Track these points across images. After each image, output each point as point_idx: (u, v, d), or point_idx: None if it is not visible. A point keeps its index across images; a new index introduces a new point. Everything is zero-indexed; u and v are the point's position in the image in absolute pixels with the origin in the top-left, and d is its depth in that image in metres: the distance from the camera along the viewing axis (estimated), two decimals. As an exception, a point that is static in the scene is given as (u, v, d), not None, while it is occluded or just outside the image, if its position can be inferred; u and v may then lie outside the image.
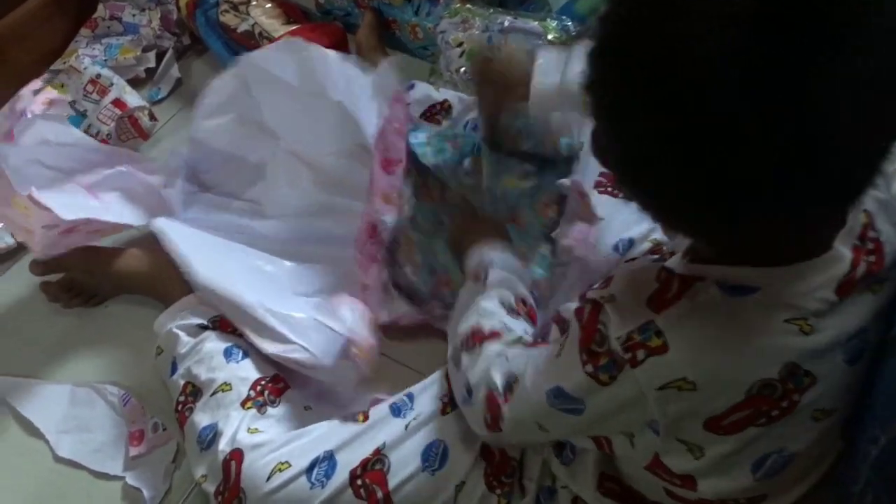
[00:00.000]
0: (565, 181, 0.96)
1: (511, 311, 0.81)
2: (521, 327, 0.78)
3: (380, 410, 0.84)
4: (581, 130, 1.00)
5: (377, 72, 1.09)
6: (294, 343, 0.92)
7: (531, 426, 0.67)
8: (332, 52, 1.08)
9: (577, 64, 0.85)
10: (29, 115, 1.01)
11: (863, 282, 0.56)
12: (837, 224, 0.55)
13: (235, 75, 1.10)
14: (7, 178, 0.90)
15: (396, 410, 0.84)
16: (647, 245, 0.98)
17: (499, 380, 0.70)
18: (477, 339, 0.76)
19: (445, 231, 1.04)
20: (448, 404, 0.84)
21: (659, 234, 0.99)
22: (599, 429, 0.64)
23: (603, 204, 1.00)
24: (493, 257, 0.87)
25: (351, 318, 0.96)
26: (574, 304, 0.63)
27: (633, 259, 0.98)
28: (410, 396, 0.86)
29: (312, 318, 0.95)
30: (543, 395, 0.63)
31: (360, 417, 0.85)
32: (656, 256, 0.90)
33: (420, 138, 1.07)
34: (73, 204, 0.98)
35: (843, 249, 0.55)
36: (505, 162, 1.04)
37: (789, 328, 0.53)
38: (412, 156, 1.06)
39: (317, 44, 1.22)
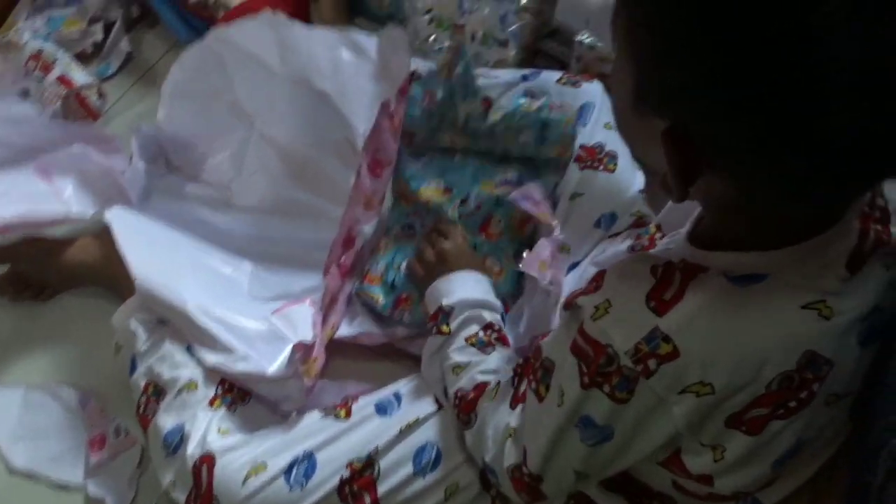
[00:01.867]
0: (516, 194, 0.89)
1: (481, 347, 0.77)
2: (496, 362, 0.75)
3: (363, 407, 0.80)
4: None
5: (384, 43, 1.00)
6: (236, 352, 0.84)
7: (569, 476, 0.62)
8: (320, 32, 1.02)
9: None
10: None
11: (873, 254, 0.52)
12: (845, 198, 0.50)
13: (208, 50, 1.03)
14: None
15: (382, 409, 0.79)
16: (629, 218, 0.95)
17: (513, 458, 0.66)
18: (467, 407, 0.73)
19: (414, 240, 0.96)
20: (440, 404, 0.80)
21: (642, 207, 0.96)
22: (639, 450, 0.58)
23: (585, 179, 0.96)
24: (454, 301, 0.81)
25: (304, 326, 0.87)
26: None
27: (616, 235, 0.95)
28: (398, 396, 0.82)
29: (265, 325, 0.88)
30: (575, 438, 0.59)
31: (342, 413, 0.80)
32: (639, 233, 0.87)
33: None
34: (20, 196, 0.91)
35: (849, 221, 0.51)
36: (486, 166, 0.98)
37: (807, 315, 0.50)
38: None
39: (278, 11, 1.16)
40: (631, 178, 0.98)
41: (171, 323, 0.88)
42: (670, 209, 0.79)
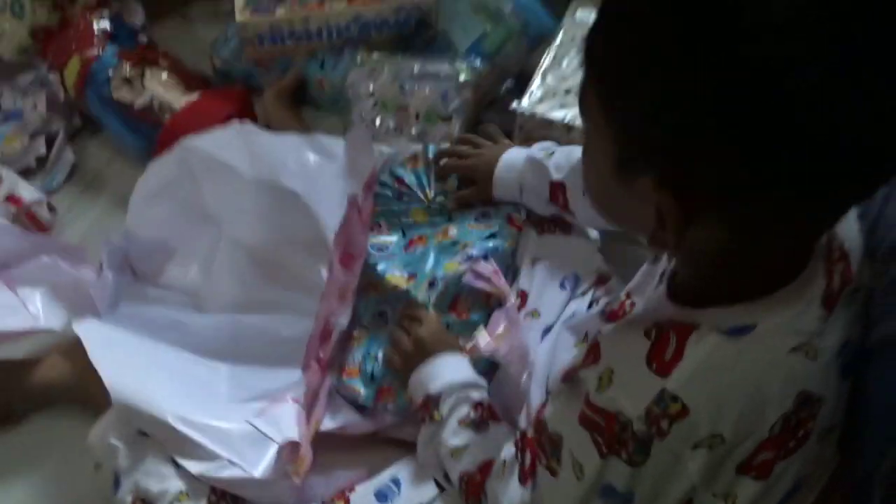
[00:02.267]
0: (468, 276, 0.92)
1: (476, 427, 0.78)
2: (494, 439, 0.76)
3: (363, 497, 0.79)
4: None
5: (350, 143, 1.04)
6: (221, 458, 0.83)
7: None
8: (287, 137, 1.05)
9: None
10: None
11: (841, 292, 0.56)
12: (823, 228, 0.54)
13: (176, 160, 1.04)
14: None
15: (382, 497, 0.80)
16: (591, 277, 0.98)
17: None
18: (475, 490, 0.74)
19: (386, 329, 0.96)
20: (441, 485, 0.80)
21: (601, 265, 1.00)
22: None
23: (545, 243, 1.00)
24: (440, 387, 0.81)
25: (288, 425, 0.86)
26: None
27: (583, 294, 0.98)
28: (397, 482, 0.82)
29: (245, 427, 0.86)
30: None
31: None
32: (608, 300, 0.90)
33: None
34: None
35: (815, 264, 0.55)
36: (446, 245, 0.99)
37: (796, 357, 0.53)
38: None
39: (222, 111, 1.18)
40: (586, 238, 1.02)
41: (153, 434, 0.86)
42: (643, 274, 0.82)
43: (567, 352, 0.85)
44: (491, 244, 0.97)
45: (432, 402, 0.80)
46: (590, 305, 0.93)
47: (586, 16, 1.28)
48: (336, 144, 1.06)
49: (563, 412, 0.62)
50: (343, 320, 0.94)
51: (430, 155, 1.05)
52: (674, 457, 0.54)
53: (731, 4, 0.42)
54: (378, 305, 0.98)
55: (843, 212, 0.53)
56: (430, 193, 1.04)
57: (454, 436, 0.77)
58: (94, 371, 0.91)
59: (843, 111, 0.42)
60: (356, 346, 0.96)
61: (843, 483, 0.63)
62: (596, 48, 0.50)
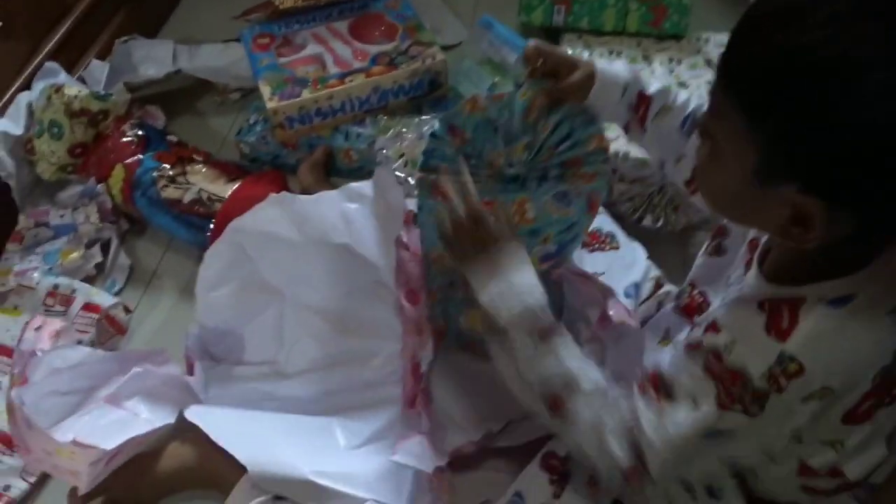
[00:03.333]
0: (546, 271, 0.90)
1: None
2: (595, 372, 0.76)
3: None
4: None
5: (377, 181, 1.09)
6: (366, 501, 0.90)
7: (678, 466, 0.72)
8: (322, 195, 1.11)
9: None
10: (39, 354, 0.96)
11: None
12: None
13: (228, 244, 1.10)
14: (46, 433, 0.89)
15: None
16: (650, 284, 1.09)
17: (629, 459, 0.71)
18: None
19: (458, 292, 0.93)
20: (559, 486, 0.88)
21: (655, 272, 1.11)
22: (744, 447, 0.70)
23: (597, 260, 1.10)
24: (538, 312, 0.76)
25: (419, 451, 0.92)
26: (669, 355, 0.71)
27: (646, 300, 1.08)
28: (520, 495, 0.88)
29: (376, 468, 0.93)
30: (692, 440, 0.68)
31: None
32: (676, 294, 1.00)
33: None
34: (107, 427, 0.95)
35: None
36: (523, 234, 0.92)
37: (893, 319, 0.63)
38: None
39: (267, 192, 1.25)
40: (635, 249, 1.13)
41: (292, 496, 0.92)
42: (703, 266, 0.93)
43: (653, 351, 0.95)
44: (569, 236, 0.91)
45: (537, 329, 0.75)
46: (657, 308, 1.03)
47: (577, 51, 1.41)
48: (365, 187, 1.12)
49: (684, 365, 0.69)
50: (427, 354, 0.99)
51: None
52: (787, 408, 0.64)
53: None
54: (449, 277, 0.95)
55: None
56: (501, 147, 0.90)
57: (569, 356, 0.75)
58: (214, 451, 0.98)
59: None
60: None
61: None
62: (741, 68, 0.58)
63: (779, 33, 0.56)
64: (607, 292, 0.94)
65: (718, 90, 0.62)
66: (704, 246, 0.95)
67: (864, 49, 0.53)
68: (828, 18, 0.54)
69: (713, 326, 0.68)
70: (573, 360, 0.75)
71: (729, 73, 0.61)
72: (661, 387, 0.70)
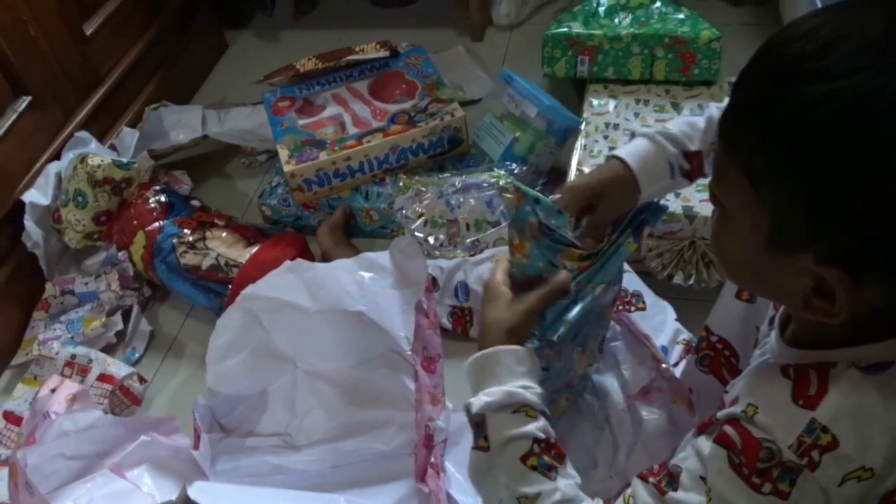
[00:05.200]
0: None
1: (545, 471, 0.68)
2: (567, 488, 0.68)
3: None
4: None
5: (395, 252, 1.08)
6: None
7: None
8: (338, 263, 1.10)
9: None
10: (53, 416, 0.95)
11: None
12: None
13: (239, 312, 1.08)
14: (44, 499, 0.85)
15: None
16: (680, 346, 1.02)
17: None
18: None
19: None
20: None
21: (685, 335, 1.04)
22: None
23: (623, 320, 1.03)
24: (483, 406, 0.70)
25: None
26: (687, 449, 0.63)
27: (676, 364, 1.01)
28: None
29: None
30: None
31: None
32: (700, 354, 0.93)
33: None
34: (107, 498, 0.94)
35: None
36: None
37: None
38: None
39: (284, 257, 1.24)
40: (663, 309, 1.06)
41: None
42: (725, 308, 0.85)
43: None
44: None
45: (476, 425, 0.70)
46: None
47: (602, 101, 1.36)
48: (382, 257, 1.12)
49: (692, 459, 0.61)
50: (441, 423, 0.96)
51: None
52: (823, 492, 0.55)
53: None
54: None
55: None
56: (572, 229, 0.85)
57: (522, 481, 0.67)
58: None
59: None
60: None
61: None
62: (745, 136, 0.53)
63: (773, 90, 0.51)
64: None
65: (721, 153, 0.57)
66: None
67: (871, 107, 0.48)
68: (824, 71, 0.49)
69: (732, 399, 0.62)
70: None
71: (729, 136, 0.56)
72: (665, 475, 0.64)
